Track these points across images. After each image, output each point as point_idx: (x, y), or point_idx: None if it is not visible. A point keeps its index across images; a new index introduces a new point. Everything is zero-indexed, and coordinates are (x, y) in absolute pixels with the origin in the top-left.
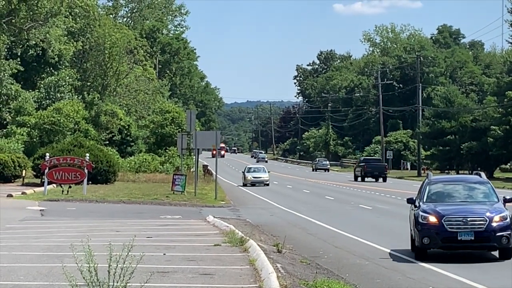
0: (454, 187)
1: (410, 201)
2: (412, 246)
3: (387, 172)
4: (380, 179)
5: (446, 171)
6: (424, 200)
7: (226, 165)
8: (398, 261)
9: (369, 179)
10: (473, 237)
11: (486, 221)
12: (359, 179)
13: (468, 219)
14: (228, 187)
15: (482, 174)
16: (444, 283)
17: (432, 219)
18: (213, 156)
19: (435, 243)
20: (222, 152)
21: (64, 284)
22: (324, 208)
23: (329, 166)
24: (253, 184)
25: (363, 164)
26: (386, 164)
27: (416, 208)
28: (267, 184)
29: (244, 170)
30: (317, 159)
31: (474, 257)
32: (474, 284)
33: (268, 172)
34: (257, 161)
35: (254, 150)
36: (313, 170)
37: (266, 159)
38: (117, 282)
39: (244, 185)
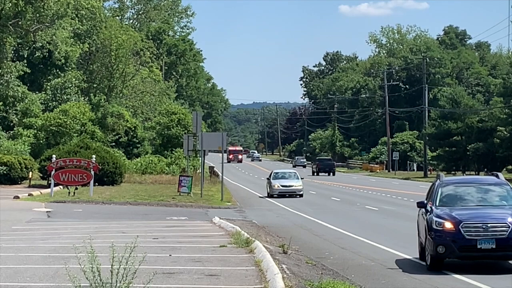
0: (469, 189)
1: (421, 204)
2: (421, 254)
3: (335, 168)
4: (331, 174)
5: (453, 172)
6: (437, 204)
7: (232, 166)
8: (403, 262)
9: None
10: (494, 245)
11: (509, 227)
12: (315, 174)
13: (489, 225)
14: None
15: (500, 174)
16: (450, 284)
17: (448, 225)
18: (229, 161)
19: (452, 252)
20: (240, 157)
21: (70, 285)
22: (330, 209)
23: (306, 163)
24: (281, 194)
25: (318, 162)
26: (334, 162)
27: (429, 213)
28: (301, 195)
29: (270, 176)
30: (296, 157)
31: (492, 267)
32: (482, 286)
33: (302, 178)
34: (252, 160)
35: (251, 151)
36: (293, 167)
37: (260, 158)
38: (120, 283)
39: (271, 196)
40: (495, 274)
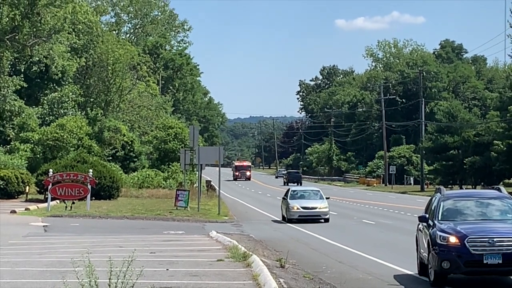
0: (471, 203)
1: (423, 219)
2: (420, 269)
3: (301, 180)
4: (298, 184)
5: (449, 186)
6: (439, 218)
7: (229, 180)
8: (402, 277)
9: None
10: (500, 260)
11: None
12: (286, 184)
13: (495, 239)
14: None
15: (502, 188)
16: None
17: (453, 239)
18: (236, 178)
19: (457, 267)
20: (248, 174)
21: None
22: (327, 223)
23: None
24: (302, 219)
25: (287, 174)
26: (301, 174)
27: (431, 227)
28: (327, 220)
29: (286, 196)
30: (278, 169)
31: (497, 283)
32: None
33: (327, 198)
34: None
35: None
36: (276, 178)
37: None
38: None
39: (289, 220)
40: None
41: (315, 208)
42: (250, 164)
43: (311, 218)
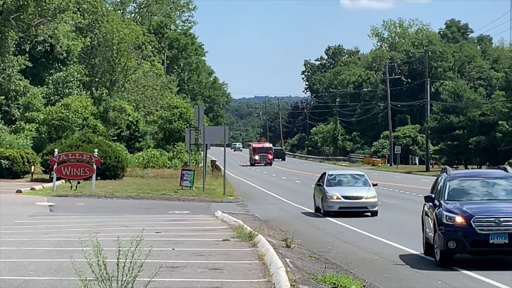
0: (477, 183)
1: (429, 199)
2: (426, 249)
3: (285, 156)
4: (281, 159)
5: (455, 166)
6: (445, 198)
7: (234, 160)
8: (407, 257)
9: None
10: (507, 239)
11: None
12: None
13: (501, 219)
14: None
15: (508, 168)
16: (453, 278)
17: (459, 219)
18: (254, 163)
19: (463, 247)
20: (270, 157)
21: (74, 279)
22: None
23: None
24: (343, 212)
25: (274, 152)
26: (284, 151)
27: (437, 207)
28: (375, 213)
29: (321, 182)
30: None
31: (503, 262)
32: (485, 280)
33: (375, 185)
34: (234, 150)
35: (232, 143)
36: None
37: (241, 148)
38: (126, 276)
39: (325, 213)
40: (505, 270)
41: (361, 197)
42: (271, 145)
43: (355, 211)
